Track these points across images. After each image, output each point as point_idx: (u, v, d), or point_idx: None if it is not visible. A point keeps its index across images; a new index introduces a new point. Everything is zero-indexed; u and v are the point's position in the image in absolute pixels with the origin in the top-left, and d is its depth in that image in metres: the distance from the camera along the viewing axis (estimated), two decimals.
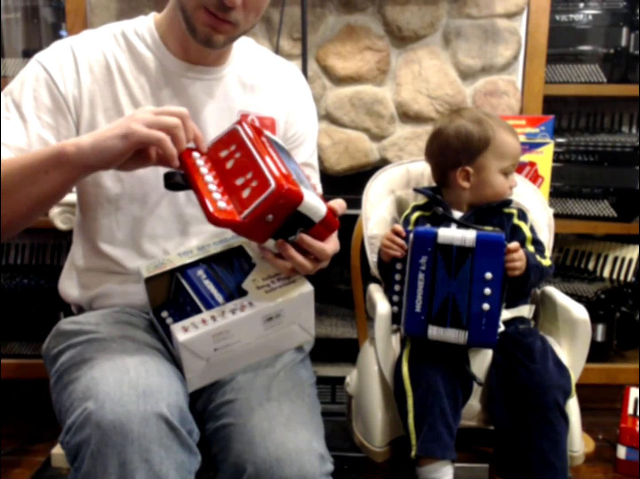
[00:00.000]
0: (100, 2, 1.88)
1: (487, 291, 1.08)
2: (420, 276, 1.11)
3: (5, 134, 1.00)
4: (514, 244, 1.11)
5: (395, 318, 1.19)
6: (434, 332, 1.12)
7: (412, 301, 1.13)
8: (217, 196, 0.85)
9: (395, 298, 1.19)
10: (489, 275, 1.08)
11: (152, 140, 0.85)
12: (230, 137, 0.93)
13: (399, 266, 1.18)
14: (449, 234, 1.11)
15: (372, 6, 1.90)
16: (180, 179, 0.88)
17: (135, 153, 0.87)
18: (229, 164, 0.89)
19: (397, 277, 1.19)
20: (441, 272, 1.11)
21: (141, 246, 1.09)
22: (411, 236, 1.13)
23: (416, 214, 1.27)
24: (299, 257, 0.92)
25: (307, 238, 0.91)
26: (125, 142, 0.84)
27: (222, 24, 0.99)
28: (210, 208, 0.83)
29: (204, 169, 0.89)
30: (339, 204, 0.95)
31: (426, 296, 1.12)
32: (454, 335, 1.11)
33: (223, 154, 0.91)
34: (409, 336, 1.16)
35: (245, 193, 0.85)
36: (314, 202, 0.86)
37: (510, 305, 1.22)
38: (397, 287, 1.19)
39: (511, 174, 1.25)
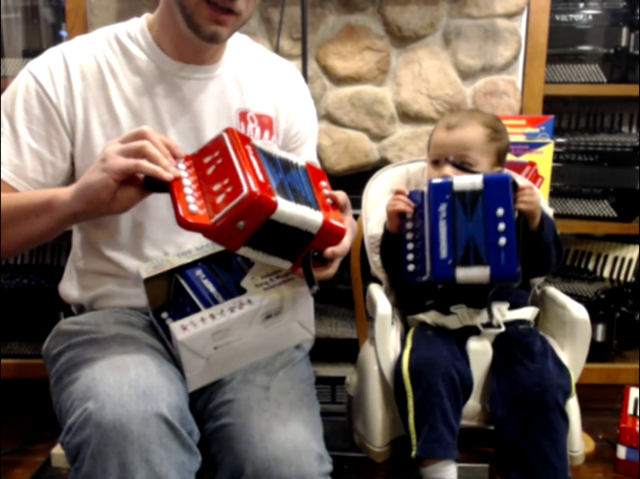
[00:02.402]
0: (100, 2, 1.88)
1: (501, 226, 1.10)
2: (442, 223, 1.13)
3: None
4: (524, 183, 1.16)
5: (411, 276, 1.19)
6: (461, 274, 1.13)
7: (436, 249, 1.14)
8: (190, 199, 0.85)
9: (411, 257, 1.18)
10: (500, 211, 1.10)
11: (131, 167, 0.85)
12: (216, 144, 0.92)
13: (409, 224, 1.19)
14: (461, 181, 1.14)
15: (372, 6, 1.90)
16: (151, 179, 0.87)
17: (122, 189, 0.87)
18: (210, 170, 0.89)
19: (409, 236, 1.19)
20: (461, 216, 1.13)
21: (142, 250, 1.09)
22: (425, 188, 1.16)
23: None
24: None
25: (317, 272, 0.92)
26: (104, 176, 0.85)
27: (225, 16, 0.99)
28: (180, 211, 0.82)
29: (183, 174, 0.88)
30: (341, 197, 0.96)
31: (450, 241, 1.13)
32: (479, 273, 1.12)
33: (207, 160, 0.91)
34: (438, 282, 1.18)
35: (220, 198, 0.84)
36: (294, 211, 0.85)
37: (514, 306, 1.22)
38: (410, 246, 1.19)
39: (442, 165, 1.25)
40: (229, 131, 0.92)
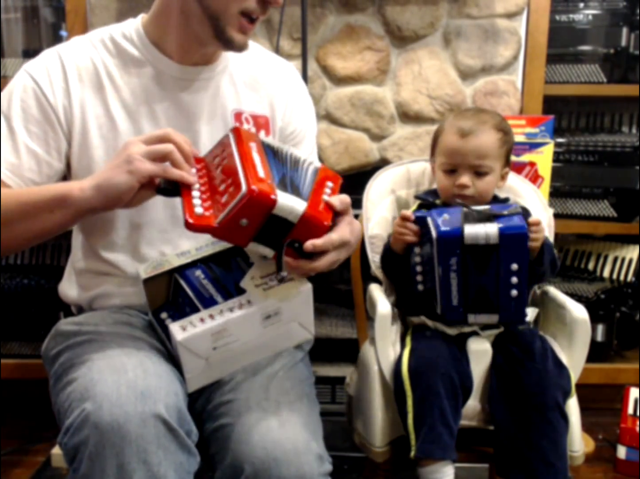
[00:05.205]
0: (100, 2, 1.88)
1: (514, 279, 1.10)
2: (452, 274, 1.12)
3: None
4: (534, 219, 1.13)
5: (420, 293, 1.19)
6: (472, 318, 1.15)
7: (448, 296, 1.13)
8: (197, 201, 0.87)
9: (420, 278, 1.18)
10: (515, 266, 1.09)
11: (159, 173, 0.88)
12: (223, 145, 0.94)
13: (417, 249, 1.17)
14: (472, 232, 1.10)
15: (372, 6, 1.89)
16: (164, 184, 0.90)
17: (140, 189, 0.89)
18: (218, 171, 0.91)
19: (417, 259, 1.18)
20: (472, 270, 1.11)
21: (139, 250, 1.09)
22: (433, 234, 1.11)
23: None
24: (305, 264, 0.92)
25: (290, 260, 0.90)
26: (131, 178, 0.86)
27: (252, 25, 1.01)
28: (186, 214, 0.85)
29: (193, 178, 0.90)
30: (339, 199, 0.94)
31: (460, 290, 1.12)
32: (488, 319, 1.15)
33: (216, 161, 0.93)
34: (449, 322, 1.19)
35: (224, 198, 0.86)
36: (291, 204, 0.86)
37: None
38: (419, 269, 1.18)
39: (457, 174, 1.22)
40: (234, 130, 0.94)
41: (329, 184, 0.97)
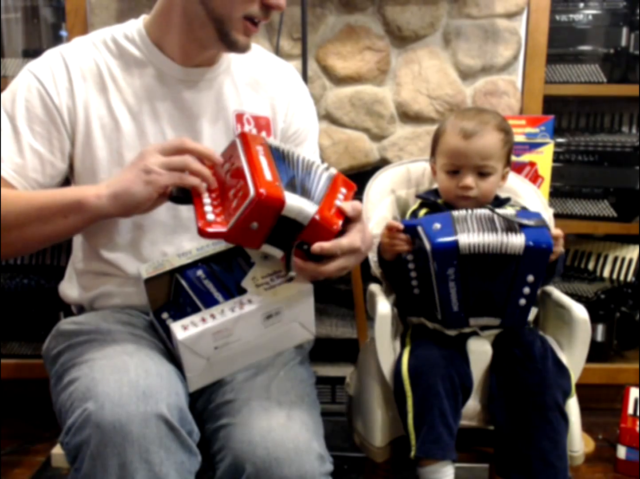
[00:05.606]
0: (100, 2, 1.88)
1: (527, 290, 1.10)
2: (451, 284, 1.10)
3: None
4: (557, 232, 1.12)
5: (417, 297, 1.18)
6: (473, 321, 1.15)
7: (448, 304, 1.12)
8: (208, 208, 0.88)
9: (415, 283, 1.17)
10: (531, 278, 1.09)
11: (177, 182, 0.89)
12: (231, 150, 0.95)
13: (410, 256, 1.15)
14: (473, 242, 1.08)
15: (372, 6, 1.90)
16: (176, 192, 0.92)
17: None
18: (228, 177, 0.92)
19: (411, 266, 1.16)
20: (472, 274, 1.10)
21: (140, 251, 1.09)
22: (427, 247, 1.09)
23: (424, 211, 1.27)
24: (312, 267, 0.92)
25: (299, 262, 0.91)
26: (149, 188, 0.88)
27: (256, 28, 1.02)
28: (198, 222, 0.86)
29: (203, 184, 0.92)
30: (352, 205, 0.94)
31: (461, 297, 1.12)
32: (490, 321, 1.15)
33: (225, 167, 0.94)
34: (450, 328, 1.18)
35: (234, 203, 0.87)
36: (300, 205, 0.87)
37: None
38: (413, 274, 1.17)
39: (460, 175, 1.21)
40: (241, 135, 0.95)
41: (343, 190, 0.97)
